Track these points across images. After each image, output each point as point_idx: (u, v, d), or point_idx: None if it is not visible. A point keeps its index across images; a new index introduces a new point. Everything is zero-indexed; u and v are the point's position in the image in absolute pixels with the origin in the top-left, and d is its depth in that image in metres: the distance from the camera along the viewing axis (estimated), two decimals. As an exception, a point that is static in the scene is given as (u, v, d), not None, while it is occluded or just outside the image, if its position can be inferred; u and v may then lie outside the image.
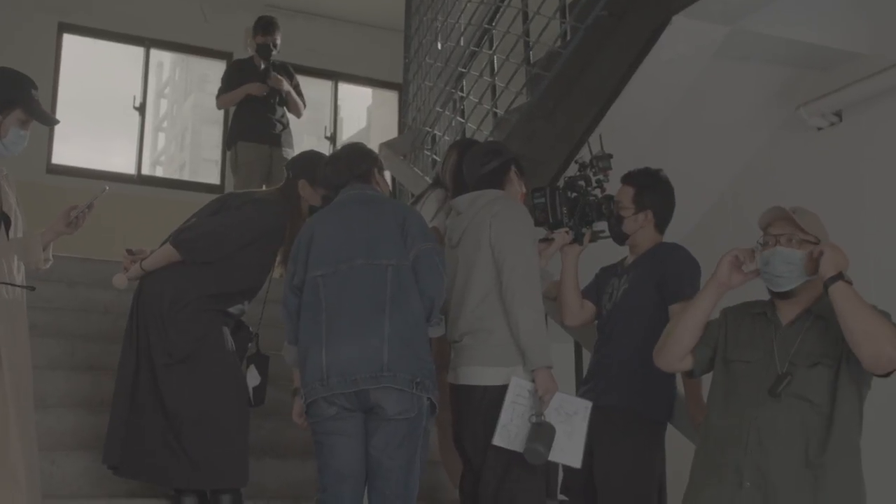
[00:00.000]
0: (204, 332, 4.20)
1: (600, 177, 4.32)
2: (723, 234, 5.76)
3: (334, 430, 3.74)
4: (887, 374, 3.13)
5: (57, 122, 4.03)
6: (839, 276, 3.12)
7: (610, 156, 4.29)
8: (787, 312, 3.35)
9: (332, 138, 10.20)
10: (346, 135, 11.59)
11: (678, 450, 4.21)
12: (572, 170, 4.54)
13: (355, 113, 12.42)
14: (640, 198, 4.29)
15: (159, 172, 32.49)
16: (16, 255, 3.74)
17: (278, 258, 4.42)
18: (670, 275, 4.16)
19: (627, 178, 4.35)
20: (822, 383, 3.18)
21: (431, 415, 3.83)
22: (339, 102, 10.45)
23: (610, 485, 4.04)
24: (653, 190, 4.31)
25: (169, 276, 4.22)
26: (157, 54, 10.21)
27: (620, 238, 4.34)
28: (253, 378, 4.38)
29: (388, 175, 7.37)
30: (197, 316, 4.19)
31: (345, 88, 10.69)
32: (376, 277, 3.77)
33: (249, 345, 4.47)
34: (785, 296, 3.34)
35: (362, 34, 9.97)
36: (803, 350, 3.23)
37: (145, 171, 9.68)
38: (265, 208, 4.35)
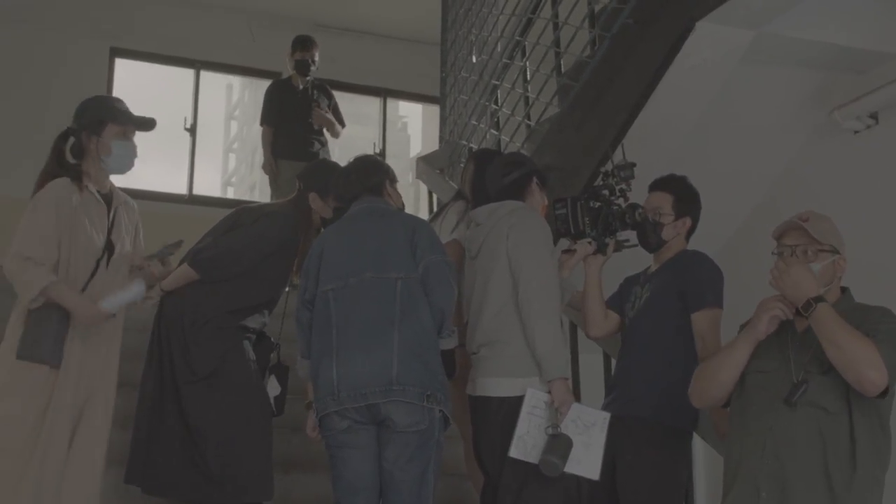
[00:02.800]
0: (225, 349, 4.25)
1: (623, 186, 4.29)
2: (761, 244, 5.65)
3: (346, 443, 3.76)
4: (882, 395, 3.06)
5: (154, 123, 4.10)
6: (818, 299, 3.07)
7: (633, 164, 4.26)
8: (801, 319, 3.27)
9: (382, 154, 10.26)
10: (398, 149, 11.64)
11: (716, 459, 4.16)
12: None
13: (413, 127, 12.49)
14: (679, 205, 4.27)
15: (230, 194, 32.98)
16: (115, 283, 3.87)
17: (294, 269, 4.46)
18: (692, 282, 4.11)
19: (663, 185, 4.33)
20: (837, 390, 3.11)
21: (445, 427, 3.83)
22: (387, 117, 10.51)
23: (634, 497, 3.99)
24: (691, 198, 4.30)
25: (188, 294, 4.28)
26: (226, 78, 10.34)
27: (656, 245, 4.29)
28: (273, 388, 4.42)
29: (424, 189, 7.41)
30: (217, 333, 4.24)
31: (402, 105, 10.74)
32: (385, 291, 3.78)
33: (271, 355, 4.50)
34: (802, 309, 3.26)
35: (409, 50, 10.01)
36: (817, 356, 3.16)
37: (215, 192, 9.82)
38: (278, 221, 4.39)
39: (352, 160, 4.26)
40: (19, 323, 3.75)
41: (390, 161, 4.61)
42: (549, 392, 3.80)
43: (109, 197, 3.98)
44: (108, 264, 3.90)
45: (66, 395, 3.75)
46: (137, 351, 4.45)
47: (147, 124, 4.03)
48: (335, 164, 4.70)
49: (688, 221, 4.26)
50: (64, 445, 3.75)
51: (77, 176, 3.86)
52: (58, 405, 3.73)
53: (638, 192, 4.34)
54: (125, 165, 3.97)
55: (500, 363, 3.91)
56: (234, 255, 4.30)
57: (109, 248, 3.94)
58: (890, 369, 2.99)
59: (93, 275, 3.87)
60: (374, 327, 3.74)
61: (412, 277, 3.80)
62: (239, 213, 4.56)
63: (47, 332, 3.70)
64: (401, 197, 4.18)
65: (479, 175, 4.42)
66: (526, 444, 3.77)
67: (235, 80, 12.20)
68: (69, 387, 3.76)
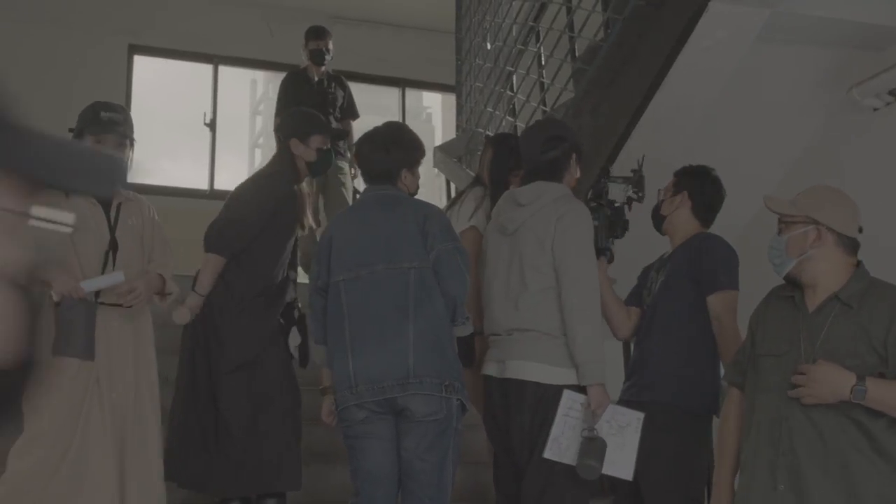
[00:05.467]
0: (262, 340, 4.25)
1: (631, 194, 4.27)
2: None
3: (365, 434, 3.77)
4: None
5: (117, 127, 4.00)
6: (861, 382, 3.00)
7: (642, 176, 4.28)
8: (812, 297, 3.25)
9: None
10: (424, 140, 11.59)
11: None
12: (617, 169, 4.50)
13: (437, 118, 12.45)
14: (679, 181, 4.29)
15: (258, 188, 33.03)
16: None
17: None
18: (706, 265, 4.08)
19: (674, 174, 4.35)
20: None
21: (462, 414, 3.82)
22: (406, 107, 10.49)
23: (654, 482, 3.96)
24: (691, 175, 4.28)
25: (218, 283, 4.28)
26: (250, 73, 10.36)
27: (657, 221, 4.31)
28: (294, 338, 4.41)
29: (442, 178, 7.39)
30: (254, 324, 4.25)
31: (426, 95, 10.71)
32: (398, 282, 3.76)
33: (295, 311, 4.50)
34: (795, 282, 3.27)
35: (426, 39, 9.98)
36: (827, 345, 3.12)
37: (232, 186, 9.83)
38: (268, 179, 4.39)
39: (384, 127, 4.16)
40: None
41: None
42: (586, 394, 3.78)
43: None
44: (114, 263, 3.89)
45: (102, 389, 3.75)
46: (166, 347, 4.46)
47: (128, 138, 3.99)
48: (309, 111, 4.70)
49: (685, 196, 4.23)
50: (104, 442, 3.76)
51: None
52: (92, 400, 3.73)
53: (656, 182, 4.33)
54: None
55: (541, 350, 3.86)
56: (238, 224, 4.28)
57: (114, 246, 3.93)
58: None
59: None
60: (388, 319, 3.73)
61: (424, 267, 3.78)
62: (233, 193, 4.55)
63: (77, 327, 3.71)
64: (417, 179, 4.11)
65: (496, 160, 4.38)
66: (560, 445, 3.76)
67: (259, 76, 12.15)
68: (105, 379, 3.76)
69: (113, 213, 3.93)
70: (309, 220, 4.45)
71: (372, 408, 3.71)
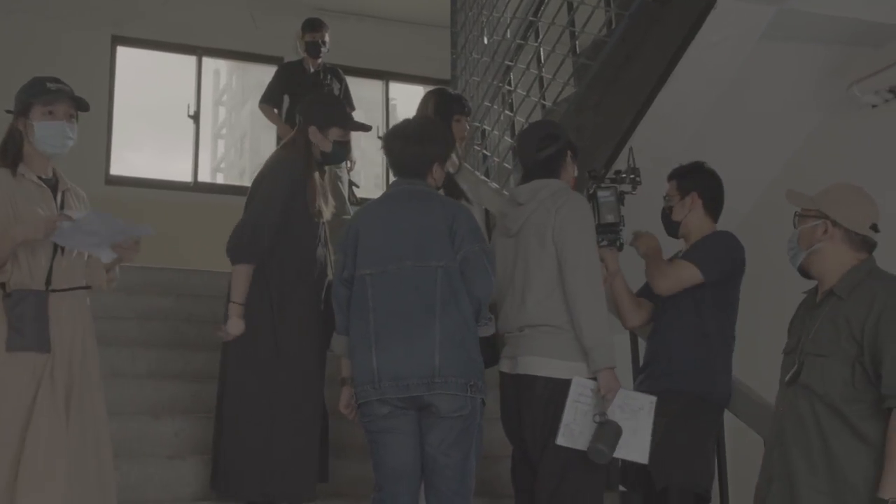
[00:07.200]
0: (306, 322, 4.24)
1: (626, 188, 4.34)
2: (781, 218, 5.68)
3: (388, 429, 3.76)
4: None
5: (86, 104, 3.86)
6: None
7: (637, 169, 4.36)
8: (821, 292, 3.36)
9: (385, 138, 10.23)
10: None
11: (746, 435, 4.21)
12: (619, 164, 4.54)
13: (410, 110, 12.44)
14: (682, 184, 4.32)
15: (220, 179, 32.65)
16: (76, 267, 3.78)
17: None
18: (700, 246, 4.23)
19: (670, 175, 4.39)
20: (828, 374, 3.16)
21: (482, 410, 3.84)
22: (391, 101, 10.46)
23: (663, 467, 4.00)
24: (693, 175, 4.33)
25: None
26: (212, 62, 10.29)
27: (672, 229, 4.36)
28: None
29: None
30: (299, 307, 4.23)
31: (399, 87, 10.70)
32: (426, 279, 3.76)
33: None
34: (807, 275, 3.40)
35: (411, 32, 9.97)
36: (815, 337, 3.24)
37: (205, 178, 9.77)
38: (281, 173, 4.30)
39: (416, 122, 4.19)
40: None
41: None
42: (596, 380, 3.81)
43: (53, 182, 3.81)
44: (63, 249, 3.78)
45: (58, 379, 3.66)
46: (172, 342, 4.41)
47: (82, 104, 3.83)
48: (333, 97, 4.65)
49: (695, 197, 4.28)
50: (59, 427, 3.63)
51: (12, 162, 3.73)
52: (46, 393, 3.64)
53: (658, 178, 4.39)
54: (54, 146, 3.75)
55: (551, 345, 3.88)
56: (249, 227, 4.19)
57: None
58: None
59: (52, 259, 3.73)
60: (415, 317, 3.72)
61: (452, 266, 3.78)
62: (252, 188, 4.45)
63: (28, 319, 3.58)
64: (444, 173, 4.12)
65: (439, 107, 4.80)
66: (573, 431, 3.78)
67: (222, 66, 12.05)
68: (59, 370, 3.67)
69: (58, 199, 3.84)
70: (323, 208, 4.37)
71: (395, 403, 3.71)
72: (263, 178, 4.36)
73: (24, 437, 3.50)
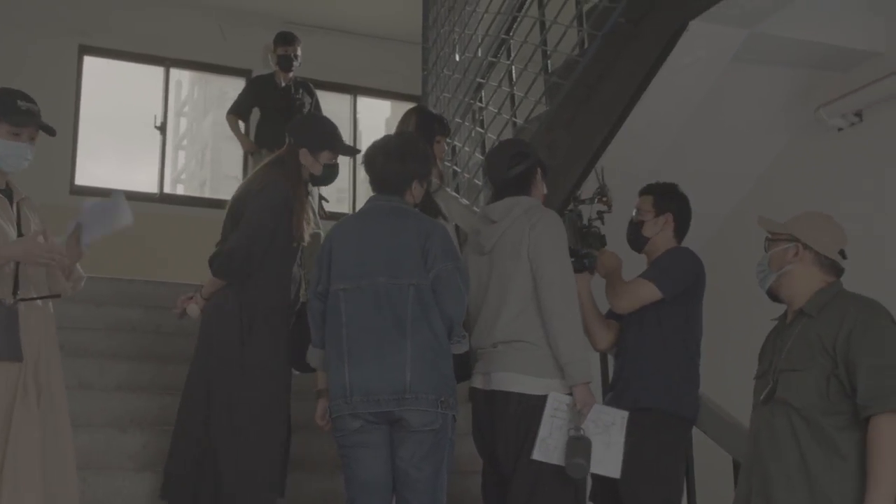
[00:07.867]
0: (274, 344, 4.21)
1: (602, 207, 4.37)
2: (745, 239, 5.74)
3: (359, 443, 3.77)
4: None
5: (53, 131, 3.85)
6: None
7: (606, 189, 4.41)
8: (790, 315, 3.42)
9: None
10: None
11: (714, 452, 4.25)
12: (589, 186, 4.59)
13: (375, 125, 12.44)
14: (659, 202, 4.35)
15: (181, 190, 32.44)
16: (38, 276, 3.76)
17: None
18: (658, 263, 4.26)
19: (646, 190, 4.42)
20: (803, 387, 3.19)
21: (454, 425, 3.85)
22: (357, 115, 10.46)
23: (632, 487, 4.03)
24: (671, 196, 4.37)
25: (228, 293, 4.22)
26: (175, 73, 10.25)
27: (639, 243, 4.38)
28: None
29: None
30: (267, 330, 4.19)
31: (364, 101, 10.70)
32: (398, 297, 3.78)
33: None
34: (776, 298, 3.45)
35: (380, 47, 10.00)
36: (789, 355, 3.28)
37: (168, 189, 9.71)
38: (270, 199, 4.23)
39: (397, 139, 4.21)
40: None
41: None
42: (571, 395, 3.84)
43: (9, 192, 3.80)
44: None
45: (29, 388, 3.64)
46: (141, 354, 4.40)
47: (50, 131, 3.84)
48: (326, 119, 4.61)
49: (669, 218, 4.32)
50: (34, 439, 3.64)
51: None
52: (21, 398, 3.62)
53: (629, 196, 4.42)
54: (11, 165, 3.74)
55: (525, 361, 3.90)
56: (243, 251, 4.15)
57: None
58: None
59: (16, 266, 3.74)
60: (386, 333, 3.74)
61: (424, 284, 3.80)
62: (236, 204, 4.36)
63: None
64: (423, 191, 4.12)
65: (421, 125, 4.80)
66: (548, 446, 3.81)
67: (185, 76, 11.99)
68: (29, 378, 3.65)
69: (14, 211, 3.83)
70: (304, 233, 4.34)
71: (367, 417, 3.72)
72: (251, 196, 4.28)
73: (3, 447, 3.48)
